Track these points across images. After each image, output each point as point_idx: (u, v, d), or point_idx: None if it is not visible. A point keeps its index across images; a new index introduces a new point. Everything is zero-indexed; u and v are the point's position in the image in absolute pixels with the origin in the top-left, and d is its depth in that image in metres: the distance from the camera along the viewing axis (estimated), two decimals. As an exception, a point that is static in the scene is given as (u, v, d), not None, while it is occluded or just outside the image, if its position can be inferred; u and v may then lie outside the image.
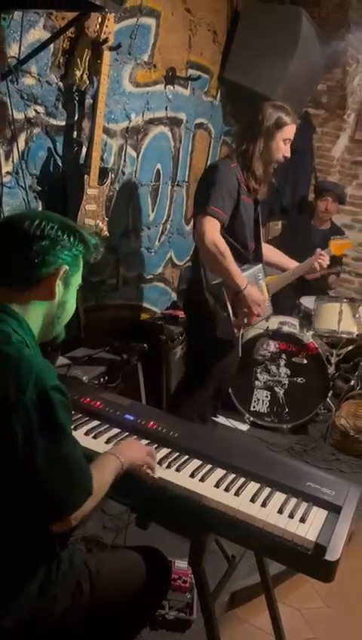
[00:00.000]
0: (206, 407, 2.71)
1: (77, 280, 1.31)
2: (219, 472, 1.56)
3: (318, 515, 1.44)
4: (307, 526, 1.38)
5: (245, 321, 2.44)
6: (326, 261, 2.78)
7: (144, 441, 1.66)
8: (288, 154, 2.48)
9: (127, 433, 1.69)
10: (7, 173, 2.27)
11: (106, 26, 2.39)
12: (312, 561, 1.33)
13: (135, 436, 1.68)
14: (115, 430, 1.70)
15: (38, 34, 2.22)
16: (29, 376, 1.10)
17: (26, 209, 2.27)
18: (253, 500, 1.45)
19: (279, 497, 1.49)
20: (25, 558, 1.23)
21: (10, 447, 1.08)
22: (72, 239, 1.24)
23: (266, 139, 2.42)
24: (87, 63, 2.44)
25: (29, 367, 1.11)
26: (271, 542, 1.37)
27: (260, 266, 2.57)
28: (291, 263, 2.87)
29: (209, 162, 4.05)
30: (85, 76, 2.46)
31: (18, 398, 1.08)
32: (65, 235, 1.23)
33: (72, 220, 1.30)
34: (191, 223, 3.98)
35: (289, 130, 2.45)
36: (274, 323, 3.58)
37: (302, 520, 1.40)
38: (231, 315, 2.39)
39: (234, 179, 2.38)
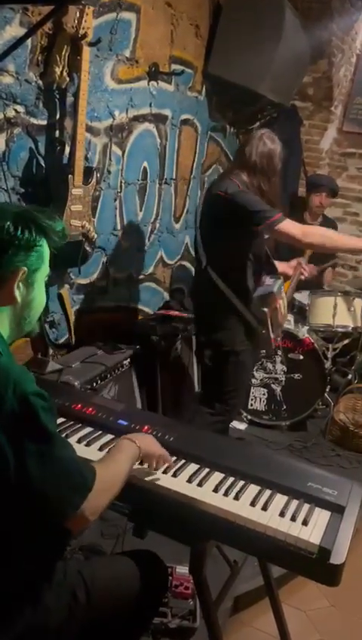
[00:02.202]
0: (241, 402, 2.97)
1: (42, 274, 1.22)
2: (218, 476, 1.51)
3: (321, 517, 1.40)
4: (310, 529, 1.34)
5: (279, 332, 2.70)
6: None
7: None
8: None
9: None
10: (-11, 175, 2.21)
11: (85, 21, 2.33)
12: (317, 566, 1.28)
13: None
14: (109, 436, 1.65)
15: (14, 31, 2.15)
16: (7, 384, 1.05)
17: None
18: (253, 503, 1.41)
19: (280, 500, 1.44)
20: (16, 572, 1.18)
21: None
22: (27, 234, 1.14)
23: (276, 174, 2.55)
24: (66, 60, 2.38)
25: (6, 375, 1.06)
26: (273, 547, 1.32)
27: (281, 279, 2.71)
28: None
29: (196, 159, 4.00)
30: (65, 73, 2.39)
31: None
32: (19, 233, 1.13)
33: (34, 208, 1.21)
34: (181, 221, 3.94)
35: None
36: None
37: (305, 523, 1.35)
38: (271, 330, 2.56)
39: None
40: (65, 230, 1.24)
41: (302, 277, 3.00)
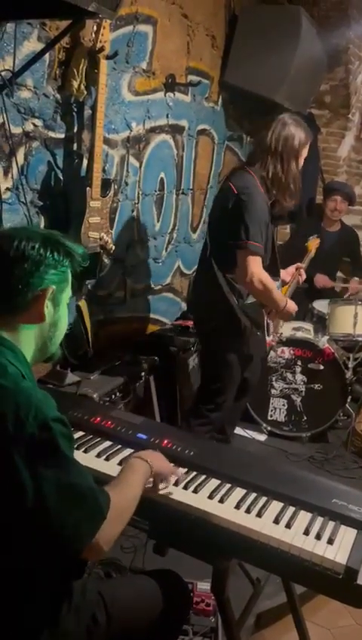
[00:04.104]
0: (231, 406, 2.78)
1: (67, 295, 1.25)
2: (239, 492, 1.47)
3: (347, 535, 1.35)
4: (336, 548, 1.30)
5: (276, 337, 2.70)
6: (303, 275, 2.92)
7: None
8: None
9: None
10: (7, 189, 2.22)
11: (102, 35, 2.34)
12: (343, 586, 1.24)
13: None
14: (128, 451, 1.63)
15: (32, 45, 2.17)
16: (28, 408, 1.04)
17: (8, 226, 2.21)
18: (276, 521, 1.37)
19: (304, 517, 1.40)
20: (33, 595, 1.16)
21: (15, 483, 1.02)
22: (56, 255, 1.17)
23: (296, 159, 2.47)
24: (84, 74, 2.39)
25: (28, 400, 1.05)
26: (297, 567, 1.28)
27: (279, 281, 2.68)
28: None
29: (213, 169, 3.99)
30: (83, 87, 2.41)
31: (18, 432, 1.02)
32: (48, 253, 1.16)
33: (58, 232, 1.24)
34: (198, 231, 3.93)
35: (307, 148, 2.53)
36: (287, 329, 3.49)
37: (330, 541, 1.31)
38: (267, 333, 2.57)
39: (266, 207, 2.43)
40: (86, 254, 1.26)
41: (300, 282, 2.93)
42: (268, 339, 2.62)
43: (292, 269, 2.89)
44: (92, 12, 1.76)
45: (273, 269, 2.61)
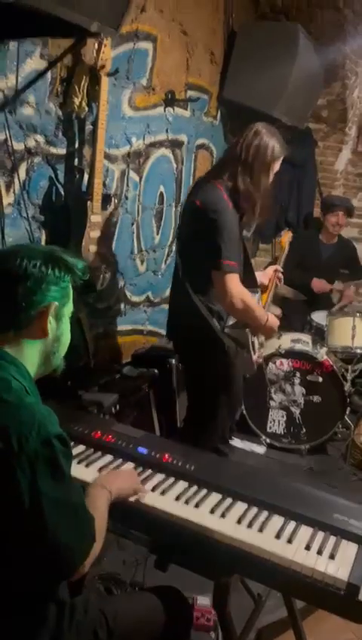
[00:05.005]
0: (226, 427, 2.68)
1: (68, 310, 1.26)
2: (241, 507, 1.48)
3: (348, 550, 1.36)
4: (337, 563, 1.30)
5: (261, 355, 2.59)
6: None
7: (160, 476, 1.59)
8: None
9: (141, 468, 1.62)
10: (9, 204, 2.25)
11: (103, 52, 2.36)
12: (345, 602, 1.25)
13: (150, 470, 1.61)
14: (130, 465, 1.64)
15: (34, 63, 2.20)
16: (32, 424, 1.05)
17: (5, 245, 2.23)
18: (277, 536, 1.38)
19: (305, 532, 1.41)
20: (34, 610, 1.16)
21: (15, 499, 1.03)
22: (57, 272, 1.19)
23: (267, 172, 2.31)
24: (85, 90, 2.42)
25: (31, 415, 1.06)
26: (299, 582, 1.29)
27: (259, 293, 2.54)
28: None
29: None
30: (84, 103, 2.44)
31: (20, 448, 1.03)
32: (50, 270, 1.17)
33: (58, 248, 1.25)
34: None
35: (279, 162, 2.37)
36: (286, 341, 3.50)
37: (332, 557, 1.32)
38: (253, 352, 2.46)
39: (235, 220, 2.28)
40: (86, 268, 1.27)
41: (279, 284, 2.78)
42: (254, 357, 2.50)
43: (270, 271, 2.75)
44: (95, 32, 1.79)
45: (249, 281, 2.47)
